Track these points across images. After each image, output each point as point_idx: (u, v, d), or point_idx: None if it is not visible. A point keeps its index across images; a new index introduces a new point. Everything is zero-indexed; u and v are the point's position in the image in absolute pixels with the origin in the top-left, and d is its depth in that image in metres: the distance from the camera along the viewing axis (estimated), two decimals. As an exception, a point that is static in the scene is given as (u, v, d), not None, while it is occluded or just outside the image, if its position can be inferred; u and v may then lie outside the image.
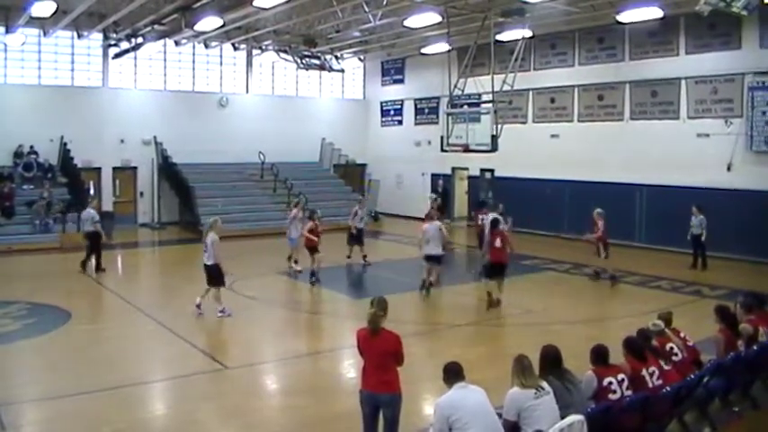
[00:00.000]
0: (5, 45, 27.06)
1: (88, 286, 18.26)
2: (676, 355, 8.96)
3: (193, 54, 32.04)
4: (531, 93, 28.38)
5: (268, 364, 12.70)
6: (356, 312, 15.22)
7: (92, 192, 28.65)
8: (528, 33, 23.56)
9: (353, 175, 36.10)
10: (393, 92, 36.12)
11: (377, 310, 7.61)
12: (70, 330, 14.26)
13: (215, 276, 15.01)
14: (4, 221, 24.63)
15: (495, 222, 16.80)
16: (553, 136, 27.77)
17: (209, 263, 14.95)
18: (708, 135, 22.97)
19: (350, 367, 11.26)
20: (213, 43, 30.94)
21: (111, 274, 20.15)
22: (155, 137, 30.61)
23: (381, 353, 7.54)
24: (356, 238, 21.97)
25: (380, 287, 19.46)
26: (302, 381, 11.45)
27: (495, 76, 22.72)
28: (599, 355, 7.88)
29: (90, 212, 20.15)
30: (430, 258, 17.05)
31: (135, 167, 30.91)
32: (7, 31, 25.84)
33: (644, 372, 8.01)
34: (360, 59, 35.59)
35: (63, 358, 12.40)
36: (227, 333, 14.20)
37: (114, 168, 30.43)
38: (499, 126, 22.22)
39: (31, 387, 11.00)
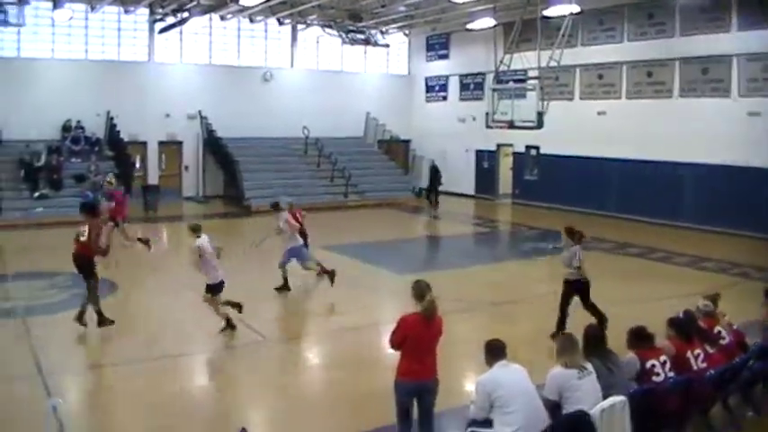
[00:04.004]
0: (53, 20, 27.35)
1: (133, 259, 18.45)
2: (723, 338, 8.79)
3: (238, 29, 32.08)
4: (577, 69, 27.91)
5: (309, 336, 12.80)
6: (398, 288, 15.19)
7: (137, 165, 29.08)
8: (575, 9, 23.15)
9: (398, 150, 36.02)
10: (438, 67, 35.83)
11: (433, 297, 7.25)
12: (115, 302, 14.42)
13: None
14: (53, 194, 25.02)
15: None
16: (600, 113, 27.29)
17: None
18: (759, 113, 22.41)
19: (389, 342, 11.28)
20: (258, 18, 30.95)
21: (156, 246, 20.35)
22: (200, 111, 30.80)
23: (434, 338, 7.31)
24: None
25: (422, 263, 19.51)
26: (342, 355, 11.54)
27: (541, 51, 22.47)
28: (638, 337, 7.75)
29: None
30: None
31: (180, 142, 31.16)
32: (55, 7, 26.05)
33: (689, 354, 7.88)
34: (405, 34, 35.38)
35: (107, 329, 12.56)
36: (269, 307, 14.27)
37: (160, 142, 30.73)
38: (545, 102, 22.00)
39: (76, 357, 11.25)
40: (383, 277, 17.36)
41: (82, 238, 11.97)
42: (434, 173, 30.41)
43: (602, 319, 11.48)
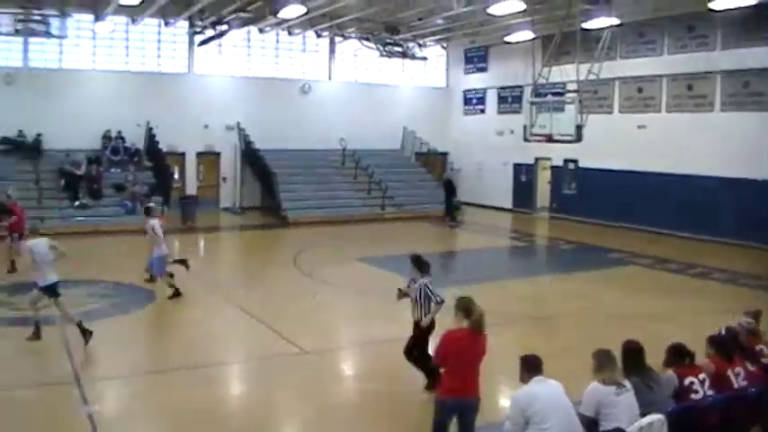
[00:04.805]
0: (94, 33, 27.79)
1: (171, 268, 18.58)
2: (766, 356, 8.60)
3: (277, 41, 32.29)
4: (617, 82, 27.64)
5: (345, 349, 12.77)
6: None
7: (176, 176, 29.36)
8: (615, 21, 22.96)
9: (435, 163, 35.92)
10: (476, 80, 35.74)
11: (482, 310, 7.22)
12: (153, 311, 14.62)
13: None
14: (93, 203, 25.32)
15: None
16: (640, 127, 26.98)
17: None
18: (803, 128, 22.06)
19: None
20: (296, 30, 31.08)
21: (193, 257, 20.42)
22: (238, 123, 30.99)
23: (478, 355, 7.25)
24: None
25: (458, 276, 19.40)
26: (379, 366, 11.46)
27: (580, 64, 22.32)
28: (677, 354, 7.63)
29: None
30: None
31: (218, 153, 31.38)
32: (97, 19, 26.43)
33: (729, 372, 7.73)
34: (443, 47, 35.39)
35: (145, 337, 12.71)
36: (306, 318, 14.26)
37: (198, 153, 30.99)
38: (584, 116, 21.82)
39: (113, 364, 11.33)
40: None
41: None
42: (449, 186, 30.27)
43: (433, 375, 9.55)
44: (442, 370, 7.39)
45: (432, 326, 9.93)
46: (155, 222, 15.53)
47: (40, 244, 11.91)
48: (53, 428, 8.78)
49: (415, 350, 10.06)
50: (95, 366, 11.10)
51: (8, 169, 25.41)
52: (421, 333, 10.03)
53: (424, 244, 23.71)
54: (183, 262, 16.62)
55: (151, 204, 17.66)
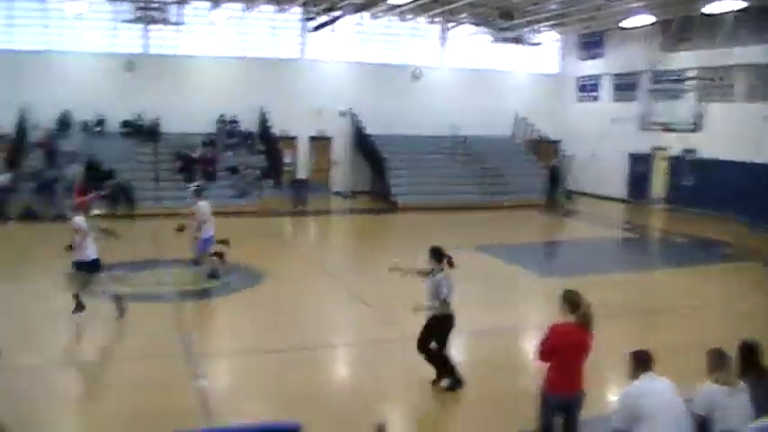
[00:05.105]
0: (212, 20, 28.50)
1: (282, 250, 18.91)
2: None
3: (389, 27, 32.35)
4: (740, 69, 26.50)
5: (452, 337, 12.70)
6: (542, 290, 14.99)
7: (287, 160, 29.82)
8: (740, 5, 21.99)
9: (546, 151, 35.25)
10: (590, 66, 34.89)
11: (590, 305, 7.06)
12: (262, 291, 14.89)
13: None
14: (208, 185, 25.95)
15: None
16: (766, 118, 25.73)
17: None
18: None
19: (533, 347, 11.07)
20: (408, 16, 31.08)
21: (304, 239, 20.76)
22: (350, 108, 31.23)
23: (586, 349, 7.08)
24: None
25: (566, 267, 19.06)
26: (483, 355, 11.40)
27: (700, 51, 21.52)
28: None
29: None
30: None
31: (330, 137, 31.72)
32: (213, 7, 27.09)
33: None
34: (557, 33, 34.73)
35: (253, 317, 12.98)
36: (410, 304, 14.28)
37: (310, 138, 31.40)
38: (703, 104, 21.06)
39: (223, 342, 11.72)
40: (525, 279, 17.10)
41: None
42: (555, 173, 29.81)
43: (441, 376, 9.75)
44: (544, 364, 7.23)
45: (447, 322, 9.56)
46: (201, 203, 15.77)
47: (84, 221, 12.24)
48: (164, 399, 9.03)
49: (429, 345, 9.66)
50: (206, 342, 11.40)
51: (128, 151, 26.57)
52: (432, 327, 9.61)
53: (532, 232, 23.57)
54: (223, 241, 16.25)
55: (199, 185, 18.20)
